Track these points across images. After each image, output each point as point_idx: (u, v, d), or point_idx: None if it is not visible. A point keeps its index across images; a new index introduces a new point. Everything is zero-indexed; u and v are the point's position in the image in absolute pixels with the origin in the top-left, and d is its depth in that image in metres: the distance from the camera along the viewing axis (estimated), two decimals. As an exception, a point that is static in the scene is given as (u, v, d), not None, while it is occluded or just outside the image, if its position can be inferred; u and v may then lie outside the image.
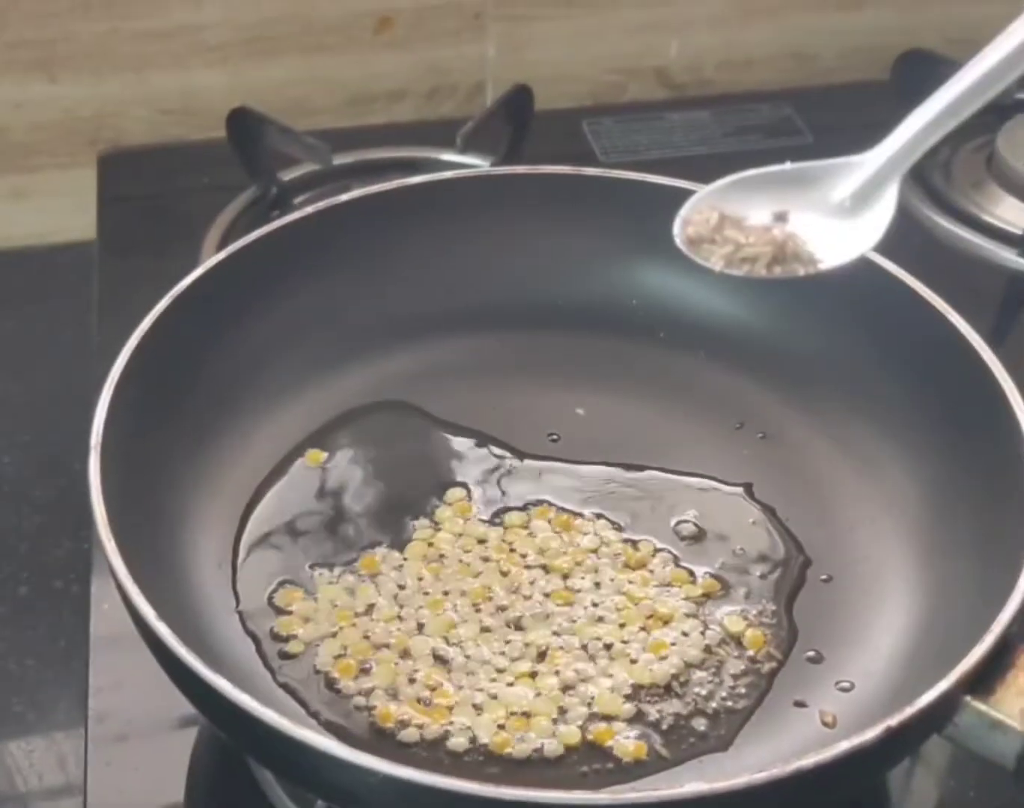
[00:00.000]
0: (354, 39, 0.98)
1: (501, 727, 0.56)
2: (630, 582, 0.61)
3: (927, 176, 0.93)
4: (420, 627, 0.59)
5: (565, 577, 0.62)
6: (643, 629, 0.60)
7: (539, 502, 0.65)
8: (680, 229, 0.60)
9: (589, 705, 0.57)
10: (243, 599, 0.61)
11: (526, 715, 0.56)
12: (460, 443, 0.68)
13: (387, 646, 0.59)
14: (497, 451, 0.68)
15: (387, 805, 0.49)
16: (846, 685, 0.58)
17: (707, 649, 0.59)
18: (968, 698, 0.51)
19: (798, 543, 0.64)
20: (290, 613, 0.60)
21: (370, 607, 0.60)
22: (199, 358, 0.66)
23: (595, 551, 0.63)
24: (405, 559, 0.62)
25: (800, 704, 0.57)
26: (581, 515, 0.65)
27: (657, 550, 0.63)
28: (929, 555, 0.62)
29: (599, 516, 0.65)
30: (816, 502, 0.66)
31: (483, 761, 0.55)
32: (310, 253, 0.71)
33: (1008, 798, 0.61)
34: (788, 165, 0.61)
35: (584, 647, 0.59)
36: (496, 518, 0.64)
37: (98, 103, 0.96)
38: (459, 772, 0.53)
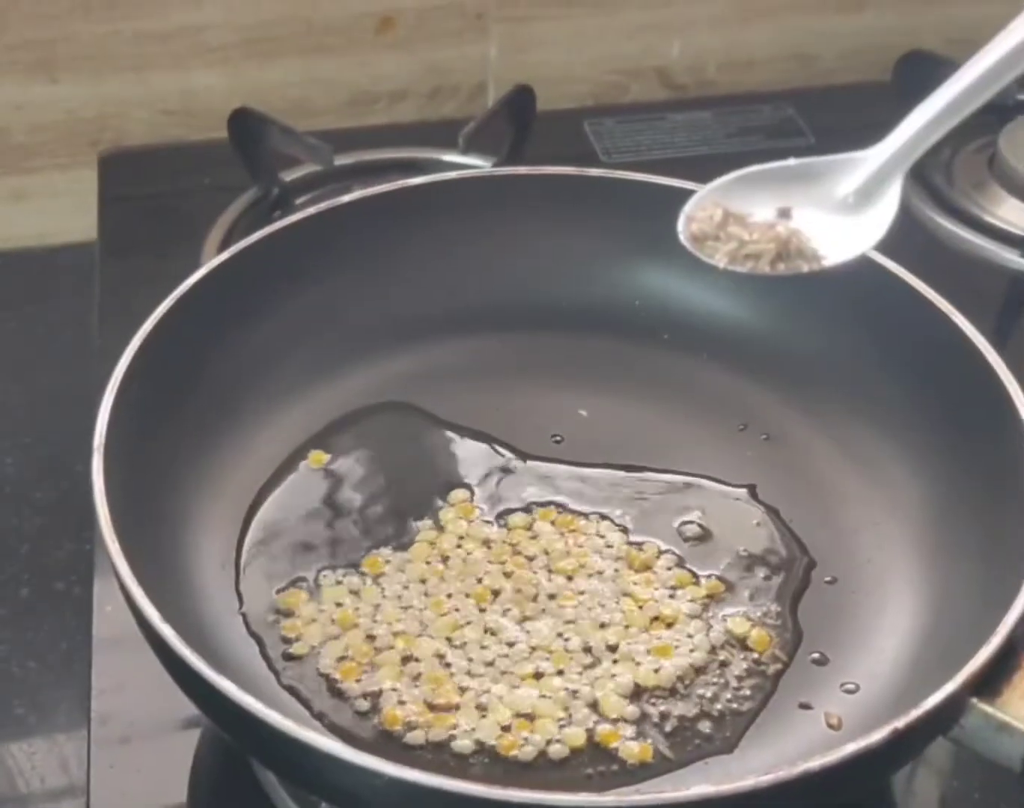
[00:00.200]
0: (355, 40, 0.98)
1: (506, 729, 0.55)
2: (634, 584, 0.61)
3: (929, 177, 0.93)
4: (424, 629, 0.59)
5: (569, 579, 0.62)
6: (647, 631, 0.60)
7: (543, 503, 0.65)
8: (684, 226, 0.60)
9: (594, 707, 0.57)
10: (247, 601, 0.60)
11: (531, 717, 0.56)
12: (463, 444, 0.68)
13: (391, 648, 0.58)
14: (500, 452, 0.68)
15: (392, 807, 0.49)
16: (851, 687, 0.58)
17: (712, 651, 0.59)
18: (974, 700, 0.50)
19: (802, 545, 0.64)
20: (294, 615, 0.60)
21: (374, 609, 0.60)
22: (201, 359, 0.66)
23: (599, 553, 0.63)
24: (409, 561, 0.62)
25: (805, 706, 0.57)
26: (585, 516, 0.65)
27: (661, 552, 0.63)
28: (933, 557, 0.62)
29: (603, 518, 0.65)
30: (820, 504, 0.66)
31: (488, 763, 0.55)
32: (312, 254, 0.71)
33: (1014, 800, 0.61)
34: (792, 161, 0.61)
35: (588, 649, 0.59)
36: (500, 519, 0.64)
37: (99, 104, 0.96)
38: (464, 774, 0.53)
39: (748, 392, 0.71)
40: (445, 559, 0.62)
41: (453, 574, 0.62)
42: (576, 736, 0.55)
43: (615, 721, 0.56)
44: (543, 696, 0.57)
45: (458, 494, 0.65)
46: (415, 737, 0.55)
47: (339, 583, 0.61)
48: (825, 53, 1.06)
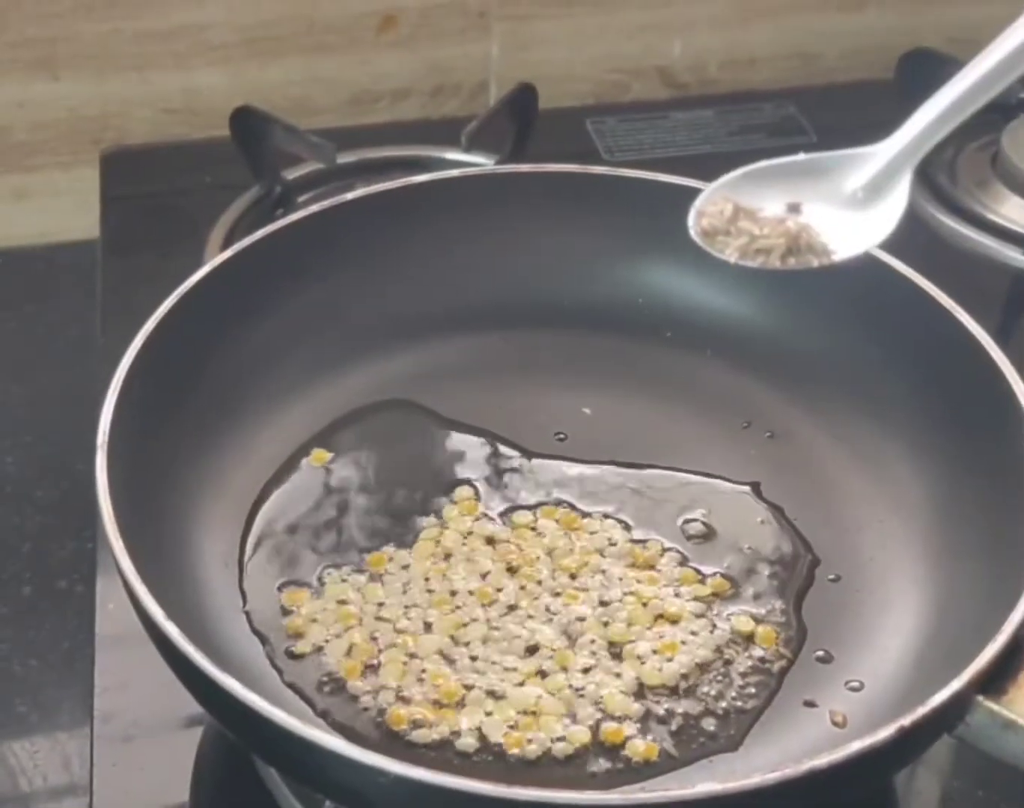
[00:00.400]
0: (357, 38, 0.98)
1: (511, 727, 0.55)
2: (638, 582, 0.61)
3: (932, 175, 0.93)
4: (428, 627, 0.59)
5: (573, 577, 0.61)
6: (652, 629, 0.59)
7: (546, 501, 0.65)
8: (694, 221, 0.60)
9: (598, 705, 0.56)
10: (250, 598, 0.60)
11: (535, 715, 0.56)
12: (466, 442, 0.68)
13: (394, 646, 0.58)
14: (504, 450, 0.68)
15: (397, 805, 0.49)
16: (856, 685, 0.58)
17: (716, 649, 0.59)
18: (980, 698, 0.50)
19: (806, 542, 0.64)
20: (297, 613, 0.60)
21: (377, 606, 0.60)
22: (204, 357, 0.66)
23: (603, 551, 0.63)
24: (412, 558, 0.62)
25: (810, 704, 0.57)
26: (589, 514, 0.64)
27: (665, 549, 0.63)
28: (938, 555, 0.61)
29: (607, 515, 0.64)
30: (824, 502, 0.65)
31: (493, 761, 0.54)
32: (314, 252, 0.71)
33: (1016, 799, 0.61)
34: (801, 156, 0.61)
35: (593, 647, 0.58)
36: (503, 517, 0.64)
37: (101, 102, 0.96)
38: (469, 772, 0.53)
39: (752, 390, 0.70)
40: (449, 557, 0.62)
41: (457, 572, 0.61)
42: (581, 734, 0.55)
43: (620, 719, 0.56)
44: (547, 694, 0.57)
45: (462, 492, 0.65)
46: (419, 735, 0.55)
47: (343, 581, 0.61)
48: (827, 51, 1.06)
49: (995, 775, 0.61)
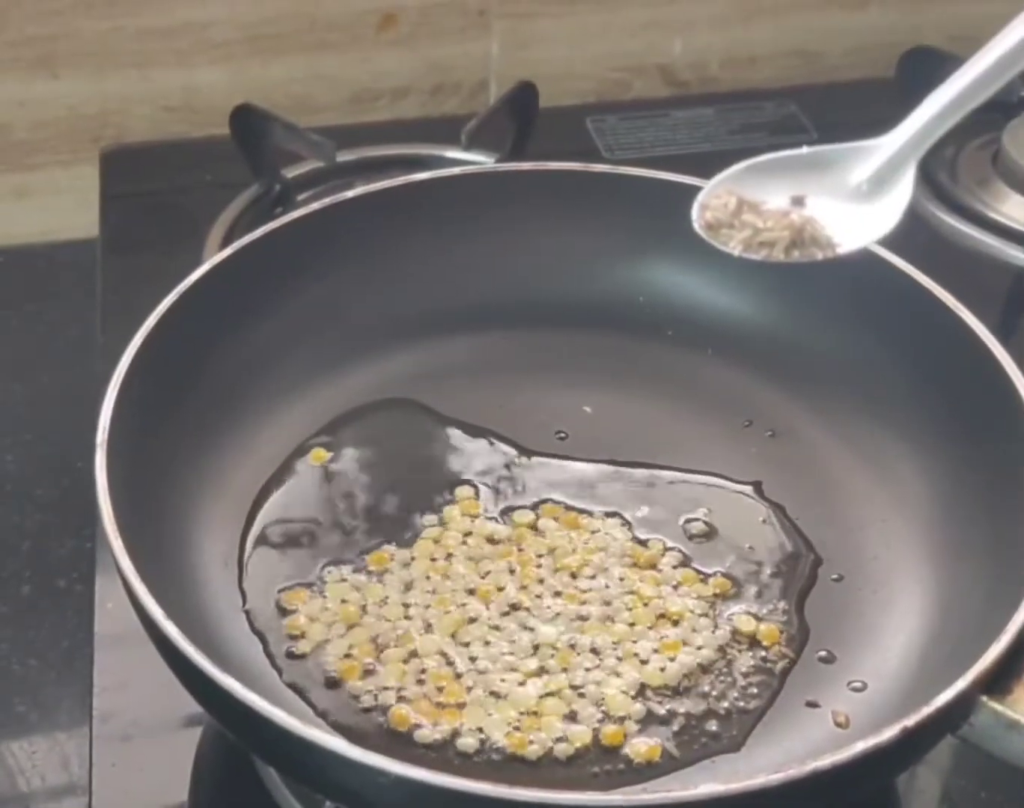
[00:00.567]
0: (358, 37, 0.98)
1: (511, 727, 0.55)
2: (640, 581, 0.61)
3: (933, 173, 0.93)
4: (428, 626, 0.59)
5: (574, 576, 0.61)
6: (653, 629, 0.59)
7: (547, 500, 0.65)
8: (698, 214, 0.60)
9: (599, 705, 0.56)
10: (250, 598, 0.60)
11: (536, 715, 0.56)
12: (467, 441, 0.68)
13: (395, 646, 0.58)
14: (504, 449, 0.67)
15: (398, 806, 0.48)
16: (858, 685, 0.57)
17: (718, 649, 0.59)
18: (985, 698, 0.50)
19: (808, 542, 0.63)
20: (297, 612, 0.59)
21: (378, 606, 0.60)
22: (204, 356, 0.66)
23: (604, 550, 0.62)
24: (413, 558, 0.62)
25: (812, 704, 0.57)
26: (590, 513, 0.64)
27: (667, 549, 0.63)
28: (941, 554, 0.61)
29: (607, 514, 0.64)
30: (826, 501, 0.65)
31: (493, 762, 0.54)
32: (314, 251, 0.71)
33: (1020, 799, 0.61)
34: (804, 149, 0.61)
35: (594, 647, 0.58)
36: (504, 516, 0.64)
37: (101, 100, 0.96)
38: (470, 773, 0.53)
39: (753, 388, 0.70)
40: (449, 556, 0.62)
41: (458, 571, 0.61)
42: (582, 734, 0.55)
43: (621, 719, 0.56)
44: (548, 694, 0.56)
45: (462, 491, 0.65)
46: (420, 735, 0.55)
47: (343, 580, 0.61)
48: (828, 50, 1.06)
49: (998, 776, 0.61)
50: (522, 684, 0.57)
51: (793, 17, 1.05)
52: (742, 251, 0.59)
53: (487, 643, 0.58)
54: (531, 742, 0.55)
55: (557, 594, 0.60)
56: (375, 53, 0.99)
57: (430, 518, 0.64)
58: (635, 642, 0.59)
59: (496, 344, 0.72)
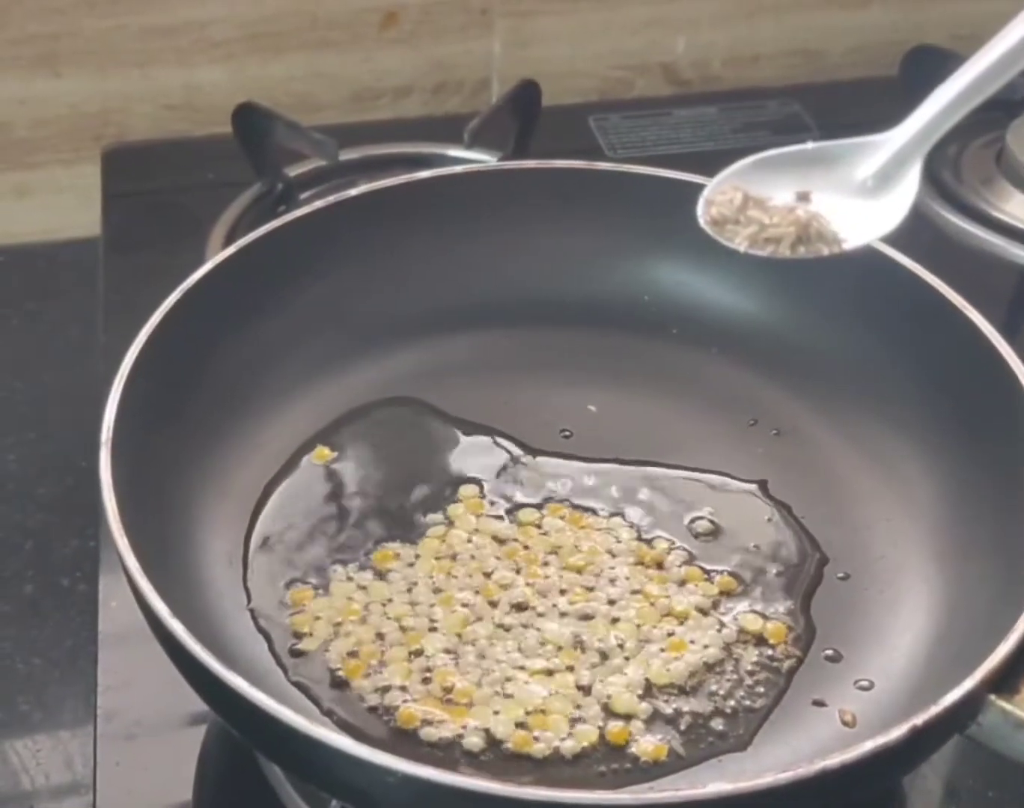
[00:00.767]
0: (359, 35, 0.98)
1: (518, 726, 0.55)
2: (646, 580, 0.61)
3: (936, 172, 0.93)
4: (433, 625, 0.59)
5: (579, 575, 0.61)
6: (659, 628, 0.59)
7: (552, 499, 0.65)
8: (704, 210, 0.60)
9: (606, 704, 0.56)
10: (254, 596, 0.60)
11: (543, 714, 0.55)
12: (472, 440, 0.68)
13: (400, 644, 0.58)
14: (509, 448, 0.67)
15: (404, 804, 0.48)
16: (865, 684, 0.57)
17: (724, 648, 0.58)
18: (992, 697, 0.50)
19: (814, 541, 0.63)
20: (302, 610, 0.59)
21: (382, 604, 0.60)
22: (206, 355, 0.66)
23: (609, 549, 0.62)
24: (417, 556, 0.62)
25: (819, 703, 0.57)
26: (595, 512, 0.64)
27: (672, 548, 0.63)
28: (947, 553, 0.61)
29: (613, 513, 0.64)
30: (832, 499, 0.65)
31: (499, 760, 0.54)
32: (317, 249, 0.70)
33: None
34: (810, 145, 0.60)
35: (600, 646, 0.58)
36: (509, 515, 0.64)
37: (102, 99, 0.95)
38: (476, 772, 0.53)
39: (758, 387, 0.70)
40: (454, 555, 0.62)
41: (463, 570, 0.61)
42: (588, 733, 0.55)
43: (627, 718, 0.56)
44: (554, 693, 0.56)
45: (467, 489, 0.65)
46: (426, 734, 0.55)
47: (348, 579, 0.61)
48: (831, 48, 1.06)
49: (1006, 775, 0.61)
50: (528, 683, 0.57)
51: (796, 16, 1.05)
52: (747, 247, 0.59)
53: (493, 642, 0.58)
54: (537, 741, 0.54)
55: (563, 593, 0.60)
56: (377, 51, 0.99)
57: (435, 516, 0.64)
58: (641, 641, 0.58)
59: (500, 343, 0.72)
